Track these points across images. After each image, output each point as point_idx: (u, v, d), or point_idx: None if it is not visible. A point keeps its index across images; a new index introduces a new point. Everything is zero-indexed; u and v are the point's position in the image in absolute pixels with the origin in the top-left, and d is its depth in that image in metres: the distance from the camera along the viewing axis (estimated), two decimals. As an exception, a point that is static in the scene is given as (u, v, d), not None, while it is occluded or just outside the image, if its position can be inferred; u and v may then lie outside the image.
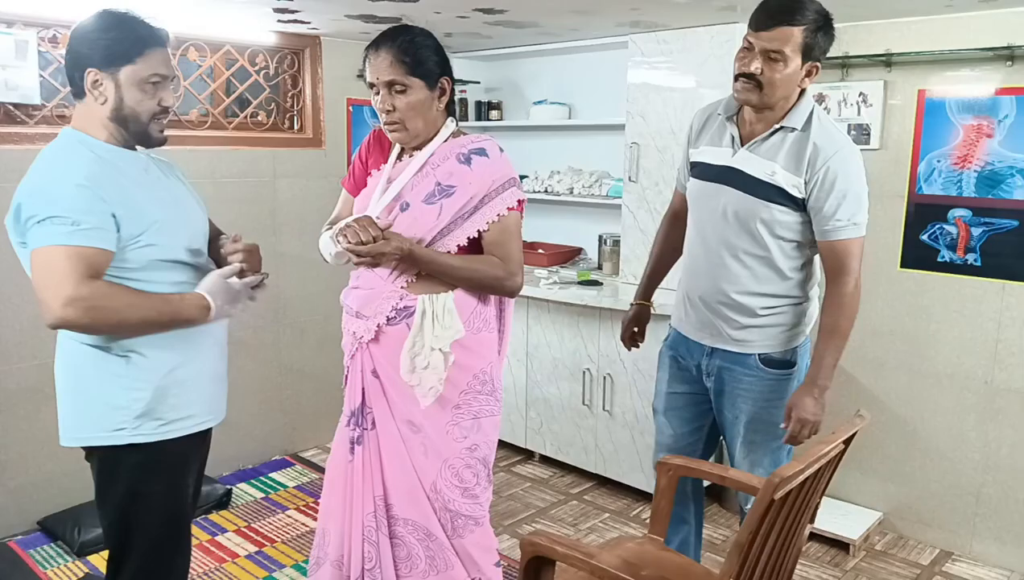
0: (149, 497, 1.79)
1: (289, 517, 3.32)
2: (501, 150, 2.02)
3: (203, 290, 1.77)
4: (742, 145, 2.11)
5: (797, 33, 1.95)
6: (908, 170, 3.10)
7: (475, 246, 2.00)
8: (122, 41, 1.72)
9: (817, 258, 2.15)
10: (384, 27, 2.00)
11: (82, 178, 1.65)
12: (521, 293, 3.65)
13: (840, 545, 3.09)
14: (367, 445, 2.02)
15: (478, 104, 4.44)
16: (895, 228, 3.14)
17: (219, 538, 3.12)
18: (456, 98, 2.10)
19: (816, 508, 1.88)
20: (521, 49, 4.09)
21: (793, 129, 2.05)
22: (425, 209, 1.95)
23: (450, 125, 2.03)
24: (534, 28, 3.52)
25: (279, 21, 3.45)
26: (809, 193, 2.03)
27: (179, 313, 1.73)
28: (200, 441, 1.92)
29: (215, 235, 1.99)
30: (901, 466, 3.22)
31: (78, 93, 1.76)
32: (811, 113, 2.05)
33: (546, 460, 3.86)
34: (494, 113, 4.41)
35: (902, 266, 3.15)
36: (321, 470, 3.79)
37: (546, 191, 4.11)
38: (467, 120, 4.45)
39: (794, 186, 2.04)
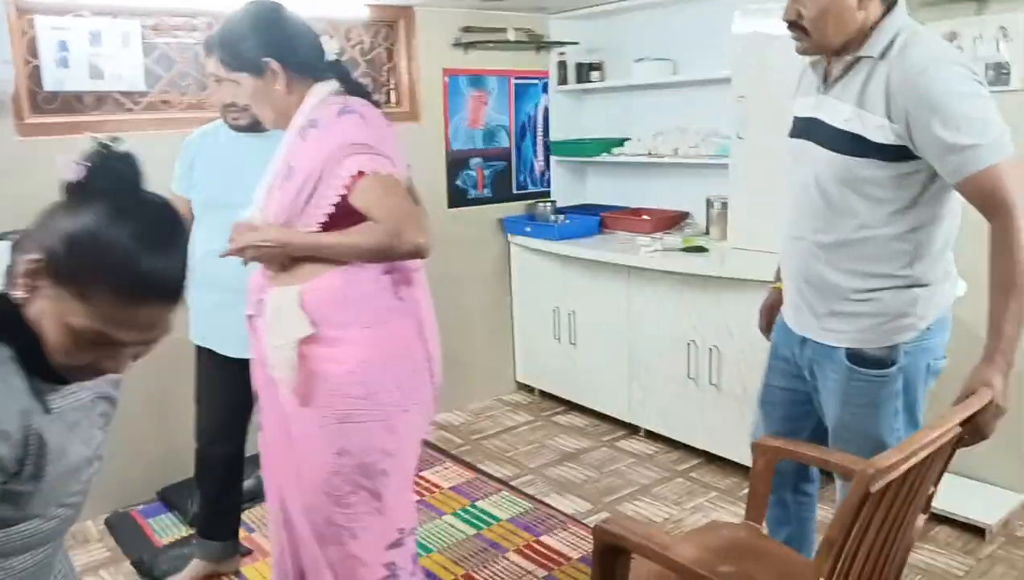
0: None
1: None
2: (346, 113, 1.76)
3: None
4: (824, 90, 1.80)
5: None
6: (1057, 112, 2.73)
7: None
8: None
9: (939, 228, 1.74)
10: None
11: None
12: (620, 262, 3.59)
13: (974, 530, 2.79)
14: (265, 433, 1.93)
15: (578, 66, 4.28)
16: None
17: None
18: (333, 59, 1.85)
19: (930, 498, 1.68)
20: (620, 4, 3.90)
21: (871, 59, 1.68)
22: (276, 195, 1.81)
23: (317, 92, 1.81)
24: (629, -19, 3.33)
25: (369, -7, 3.43)
26: (908, 134, 1.63)
27: None
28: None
29: None
30: (1050, 445, 2.88)
31: None
32: (896, 35, 1.67)
33: (652, 435, 3.72)
34: (595, 74, 4.24)
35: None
36: (426, 443, 3.78)
37: (649, 153, 3.92)
38: (567, 83, 4.31)
39: (878, 129, 1.65)
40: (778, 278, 2.11)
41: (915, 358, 1.78)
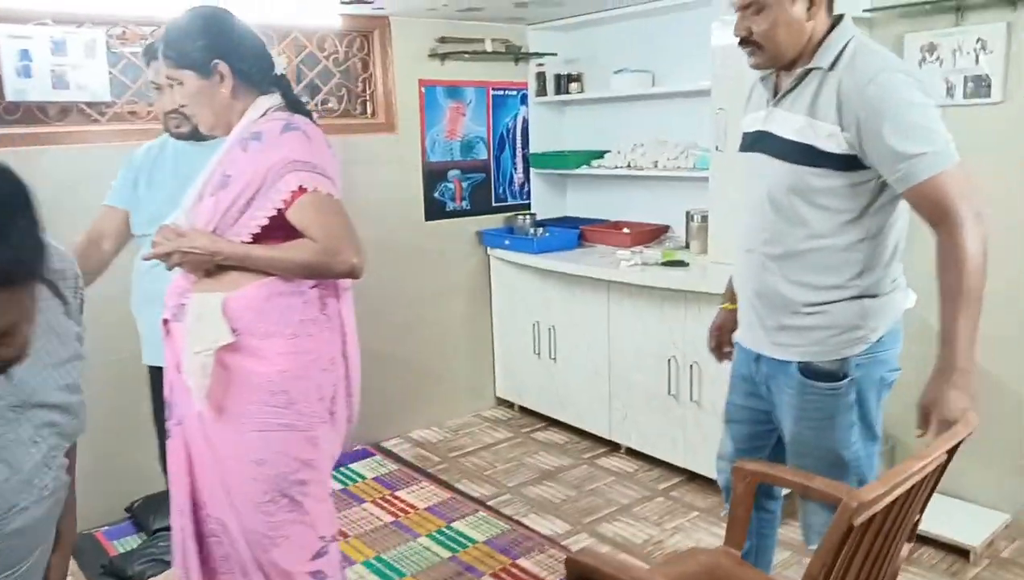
0: None
1: (365, 510, 3.26)
2: (291, 129, 1.75)
3: None
4: (775, 103, 1.80)
5: None
6: (1038, 125, 2.70)
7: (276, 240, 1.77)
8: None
9: (889, 237, 1.74)
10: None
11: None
12: (600, 276, 3.52)
13: (959, 552, 2.74)
14: (175, 438, 1.87)
15: (557, 77, 4.22)
16: (1020, 192, 2.74)
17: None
18: (279, 72, 1.88)
19: (915, 526, 1.62)
20: (599, 15, 3.85)
21: (821, 70, 1.70)
22: (208, 202, 1.78)
23: (260, 104, 1.81)
24: (607, -9, 3.29)
25: (343, 3, 3.36)
26: (859, 142, 1.64)
27: None
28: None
29: None
30: (1034, 462, 2.84)
31: None
32: (844, 46, 1.69)
33: (632, 453, 3.65)
34: (574, 86, 4.18)
35: (1032, 235, 2.75)
36: (402, 461, 3.72)
37: (629, 166, 3.87)
38: (546, 95, 4.26)
39: (829, 137, 1.66)
40: (727, 299, 2.11)
41: (868, 370, 1.78)
